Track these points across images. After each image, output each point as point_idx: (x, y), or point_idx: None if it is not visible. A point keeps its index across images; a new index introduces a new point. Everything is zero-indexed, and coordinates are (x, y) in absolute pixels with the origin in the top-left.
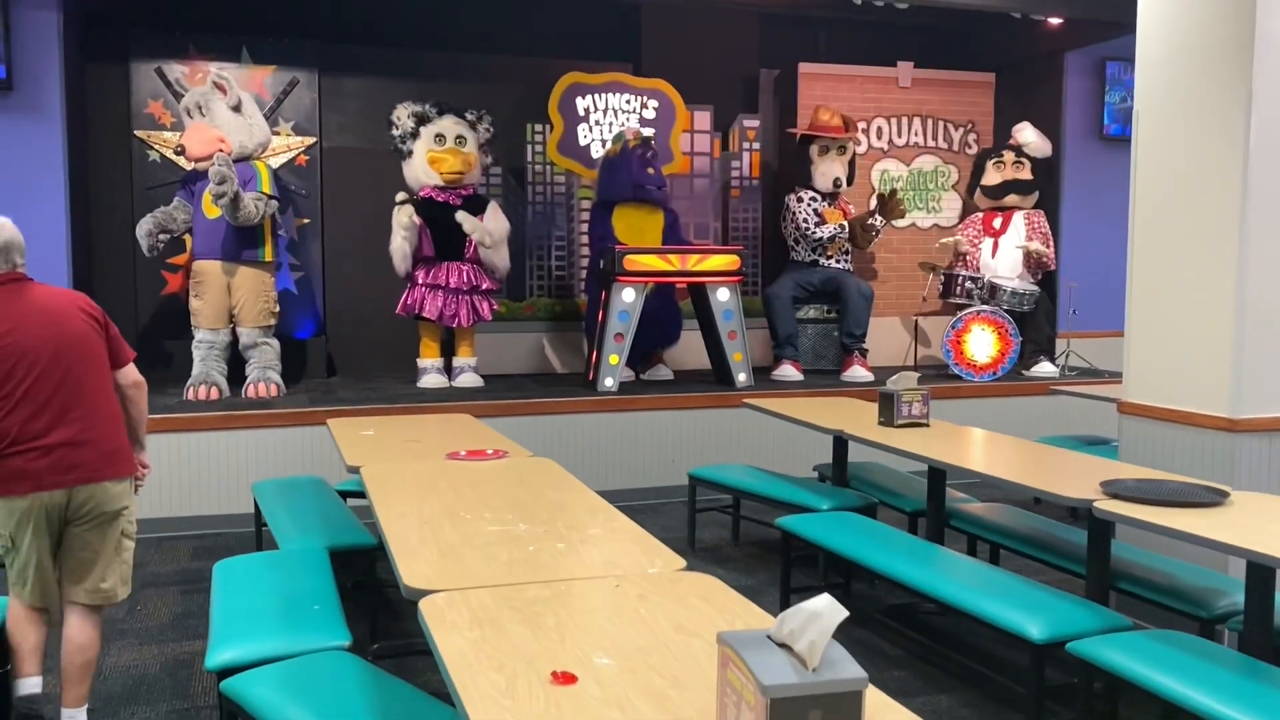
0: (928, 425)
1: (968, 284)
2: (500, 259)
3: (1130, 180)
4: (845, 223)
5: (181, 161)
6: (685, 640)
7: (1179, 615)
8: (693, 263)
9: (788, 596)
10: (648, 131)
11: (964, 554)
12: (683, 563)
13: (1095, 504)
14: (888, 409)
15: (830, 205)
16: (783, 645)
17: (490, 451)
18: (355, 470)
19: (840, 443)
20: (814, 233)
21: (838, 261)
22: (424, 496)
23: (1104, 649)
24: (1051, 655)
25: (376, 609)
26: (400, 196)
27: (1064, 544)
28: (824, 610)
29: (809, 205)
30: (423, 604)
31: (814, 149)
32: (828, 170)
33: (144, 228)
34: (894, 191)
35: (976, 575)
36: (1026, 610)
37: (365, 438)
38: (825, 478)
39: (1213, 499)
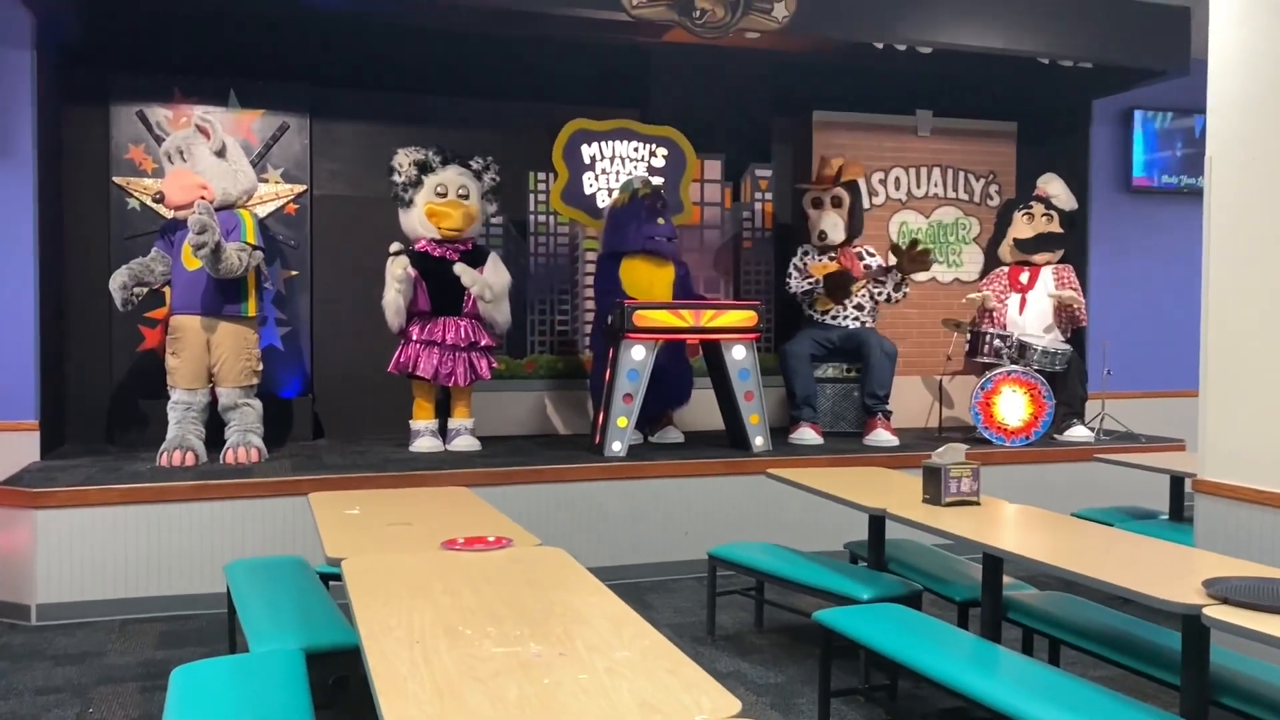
0: (978, 503)
1: (996, 342)
2: (501, 314)
3: (1203, 232)
4: (818, 277)
5: (161, 209)
6: None
7: None
8: (707, 319)
9: (828, 702)
10: (657, 180)
11: (1021, 651)
12: (737, 705)
13: (1204, 610)
14: (934, 485)
15: (826, 259)
16: None
17: (492, 539)
18: (337, 563)
19: (877, 521)
20: (788, 286)
21: (859, 318)
22: (415, 602)
23: None
24: None
25: (360, 713)
26: (395, 247)
27: (1134, 641)
28: None
29: (796, 260)
30: None
31: (806, 201)
32: (815, 223)
33: (117, 280)
34: (914, 242)
35: (1053, 687)
36: None
37: (350, 517)
38: (859, 558)
39: None
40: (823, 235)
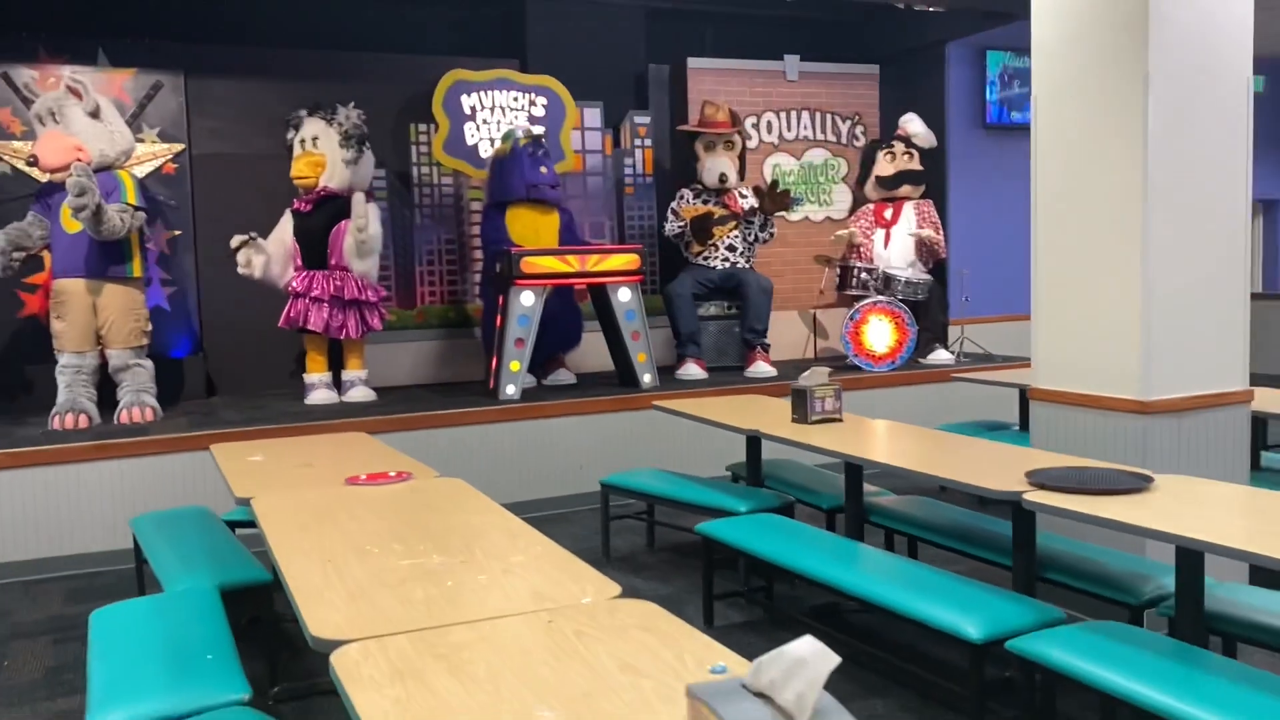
0: (841, 420)
1: (863, 275)
2: (364, 265)
3: (1030, 166)
4: (686, 220)
5: (35, 173)
6: (634, 682)
7: (1107, 603)
8: (592, 263)
9: (711, 604)
10: (538, 129)
11: (883, 549)
12: (617, 589)
13: (1024, 496)
14: (801, 406)
15: (712, 201)
16: (761, 695)
17: (393, 474)
18: (245, 502)
19: (754, 442)
20: (665, 231)
21: (730, 258)
22: (324, 529)
23: (1043, 645)
24: (986, 651)
25: (275, 648)
26: (234, 242)
27: (981, 533)
28: (810, 657)
29: (674, 204)
30: (334, 658)
31: (699, 145)
32: (714, 166)
33: None
34: (775, 183)
35: (905, 574)
36: (962, 609)
37: (253, 464)
38: (739, 478)
39: (1137, 485)
40: (723, 178)
